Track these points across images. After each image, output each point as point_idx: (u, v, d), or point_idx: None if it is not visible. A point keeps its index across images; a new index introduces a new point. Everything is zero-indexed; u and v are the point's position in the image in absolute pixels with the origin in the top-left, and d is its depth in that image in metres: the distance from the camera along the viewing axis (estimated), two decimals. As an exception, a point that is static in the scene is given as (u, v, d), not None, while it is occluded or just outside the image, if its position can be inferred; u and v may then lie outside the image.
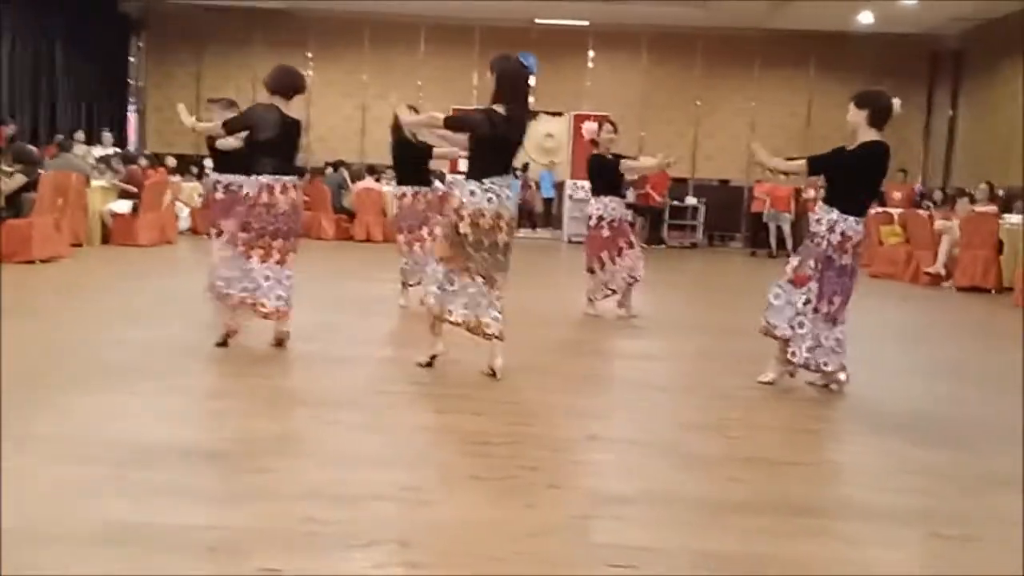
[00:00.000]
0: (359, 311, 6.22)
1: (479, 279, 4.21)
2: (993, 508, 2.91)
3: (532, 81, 4.30)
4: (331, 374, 4.35)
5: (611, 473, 3.08)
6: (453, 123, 4.48)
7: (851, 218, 4.20)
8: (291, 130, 4.75)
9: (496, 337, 4.21)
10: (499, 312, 4.22)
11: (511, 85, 4.20)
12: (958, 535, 2.64)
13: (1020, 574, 2.37)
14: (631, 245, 6.40)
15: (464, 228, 4.15)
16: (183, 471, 2.86)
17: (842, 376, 4.33)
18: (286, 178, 4.71)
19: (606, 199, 6.36)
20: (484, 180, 4.19)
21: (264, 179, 4.64)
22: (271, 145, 4.67)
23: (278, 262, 4.70)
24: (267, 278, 4.65)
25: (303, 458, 3.07)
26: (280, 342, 4.78)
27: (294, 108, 4.78)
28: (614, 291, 6.46)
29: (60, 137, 11.36)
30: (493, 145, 4.20)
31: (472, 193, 4.18)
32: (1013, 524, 2.74)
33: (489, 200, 4.17)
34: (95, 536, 2.35)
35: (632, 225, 7.15)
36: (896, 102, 4.24)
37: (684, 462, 3.22)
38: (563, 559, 2.38)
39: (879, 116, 4.20)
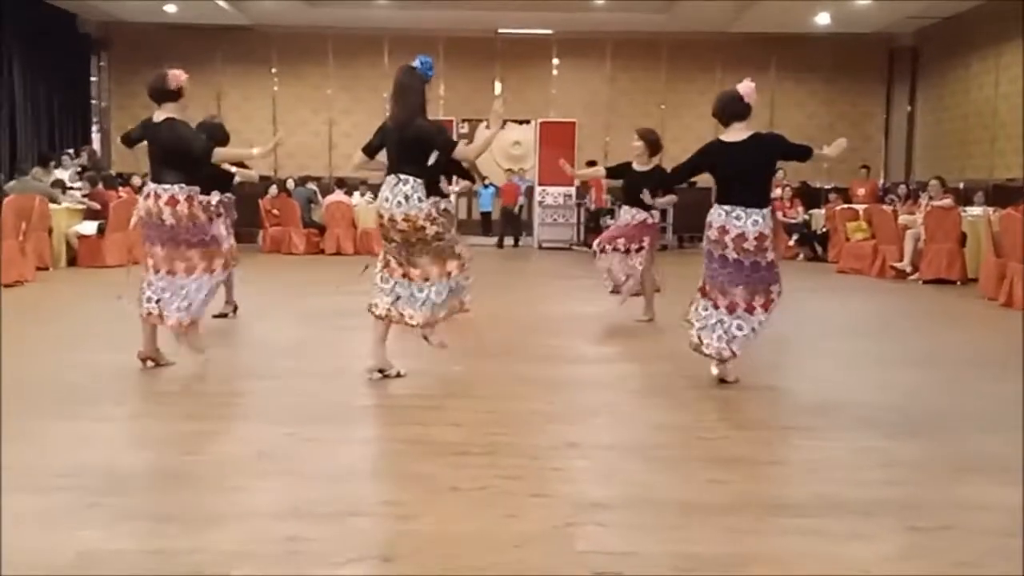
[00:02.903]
0: (331, 325, 6.18)
1: (398, 274, 4.45)
2: (968, 497, 2.96)
3: (419, 80, 4.37)
4: (305, 390, 4.32)
5: (591, 479, 3.09)
6: None
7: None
8: (156, 135, 4.69)
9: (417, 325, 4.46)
10: (422, 304, 4.42)
11: (391, 92, 4.45)
12: (936, 526, 2.68)
13: (996, 561, 2.42)
14: (624, 248, 6.50)
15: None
16: (158, 495, 2.82)
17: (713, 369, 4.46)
18: (155, 186, 4.64)
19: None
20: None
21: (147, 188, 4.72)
22: (150, 154, 4.75)
23: (169, 271, 4.60)
24: (163, 289, 4.59)
25: (281, 476, 3.04)
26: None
27: (174, 110, 4.76)
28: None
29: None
30: (387, 151, 4.49)
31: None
32: (988, 512, 2.80)
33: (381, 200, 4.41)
34: (69, 567, 2.30)
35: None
36: (738, 88, 4.54)
37: (662, 465, 3.24)
38: (547, 568, 2.38)
39: (721, 113, 4.62)
